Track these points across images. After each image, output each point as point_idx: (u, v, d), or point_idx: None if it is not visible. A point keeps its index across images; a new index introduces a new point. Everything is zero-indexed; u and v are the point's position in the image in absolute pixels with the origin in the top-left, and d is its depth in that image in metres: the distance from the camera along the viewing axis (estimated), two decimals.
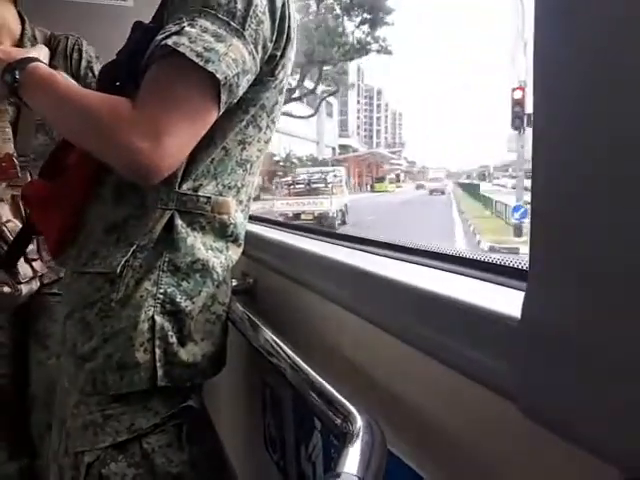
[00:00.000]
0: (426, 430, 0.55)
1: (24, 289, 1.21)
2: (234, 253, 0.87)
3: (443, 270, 0.60)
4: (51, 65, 1.27)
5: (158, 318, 0.77)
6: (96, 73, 1.31)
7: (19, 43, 1.25)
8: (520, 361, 0.39)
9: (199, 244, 0.80)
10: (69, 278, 0.85)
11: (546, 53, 0.37)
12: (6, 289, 1.17)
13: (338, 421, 0.55)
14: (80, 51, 1.31)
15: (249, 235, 0.90)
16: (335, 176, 16.56)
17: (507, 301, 0.43)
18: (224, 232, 0.84)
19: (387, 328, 0.59)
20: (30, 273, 1.21)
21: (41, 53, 0.84)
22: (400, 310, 0.58)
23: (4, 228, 1.15)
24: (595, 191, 0.33)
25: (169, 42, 0.66)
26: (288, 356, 0.72)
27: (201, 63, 0.66)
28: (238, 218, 0.86)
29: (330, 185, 15.37)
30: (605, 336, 0.33)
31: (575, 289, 0.36)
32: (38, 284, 1.26)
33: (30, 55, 0.80)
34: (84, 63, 1.31)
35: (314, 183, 15.95)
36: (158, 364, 0.77)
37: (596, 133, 0.34)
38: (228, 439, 1.33)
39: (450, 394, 0.51)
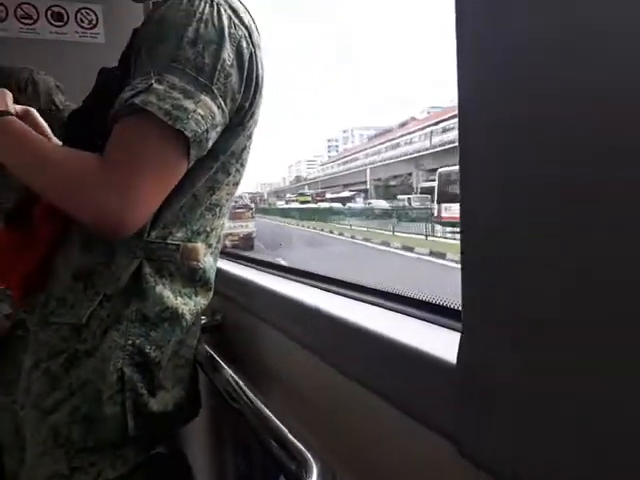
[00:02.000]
0: (375, 469, 0.55)
1: None
2: (203, 298, 0.87)
3: (388, 309, 0.61)
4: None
5: (127, 370, 0.76)
6: (58, 104, 1.29)
7: None
8: (457, 406, 0.40)
9: (168, 292, 0.80)
10: (36, 327, 0.83)
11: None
12: None
13: (293, 468, 0.55)
14: (35, 83, 1.27)
15: (218, 271, 0.91)
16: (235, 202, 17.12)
17: (446, 344, 0.44)
18: (193, 277, 0.83)
19: (336, 366, 0.60)
20: (7, 310, 1.18)
21: (7, 98, 0.83)
22: (350, 349, 0.58)
23: None
24: (525, 223, 0.34)
25: (136, 101, 0.66)
26: (250, 400, 0.72)
27: (170, 122, 0.66)
28: (207, 262, 0.86)
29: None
30: (537, 383, 0.34)
31: (507, 333, 0.36)
32: (9, 324, 1.23)
33: (1, 108, 0.79)
34: (43, 96, 1.28)
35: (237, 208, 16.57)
36: (129, 416, 0.76)
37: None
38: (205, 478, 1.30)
39: (397, 434, 0.51)
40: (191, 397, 0.87)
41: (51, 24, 1.80)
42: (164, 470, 0.89)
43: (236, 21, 0.75)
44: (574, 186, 0.31)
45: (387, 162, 40.95)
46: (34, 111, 0.89)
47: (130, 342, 0.76)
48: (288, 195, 52.85)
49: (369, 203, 27.43)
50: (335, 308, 0.63)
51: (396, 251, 11.45)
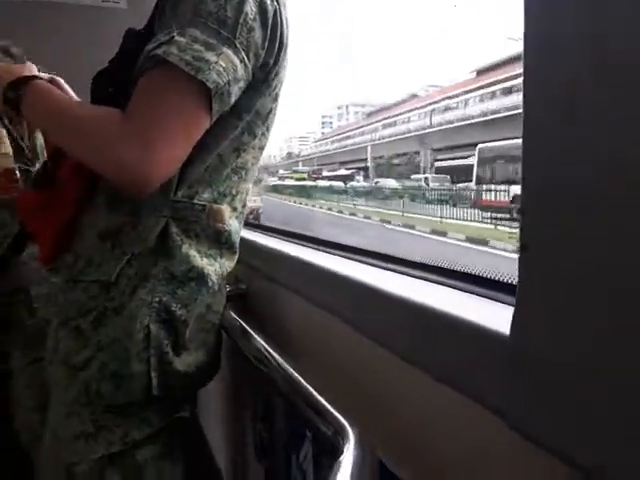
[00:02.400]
0: (417, 443, 0.55)
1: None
2: (229, 260, 0.87)
3: (430, 281, 0.61)
4: None
5: (153, 327, 0.77)
6: None
7: None
8: (508, 379, 0.40)
9: (194, 252, 0.80)
10: (64, 286, 0.83)
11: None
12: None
13: (329, 433, 0.56)
14: (12, 56, 1.27)
15: (242, 241, 0.90)
16: None
17: (497, 317, 0.43)
18: (219, 239, 0.83)
19: (375, 338, 0.60)
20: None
21: (33, 69, 0.87)
22: (386, 320, 0.58)
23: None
24: (590, 207, 0.33)
25: (159, 52, 0.66)
26: (280, 365, 0.72)
27: (192, 72, 0.66)
28: (233, 225, 0.85)
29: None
30: (589, 358, 0.34)
31: (563, 308, 0.36)
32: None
33: (29, 73, 0.82)
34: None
35: None
36: (153, 374, 0.77)
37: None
38: (219, 446, 1.33)
39: (441, 408, 0.51)
40: (213, 361, 0.88)
41: None
42: (187, 433, 0.91)
43: None
44: None
45: (389, 139, 39.68)
46: (60, 80, 0.93)
47: (157, 299, 0.77)
48: (281, 171, 51.34)
49: (377, 182, 26.07)
50: (369, 278, 0.62)
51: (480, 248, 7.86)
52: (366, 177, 36.11)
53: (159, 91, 0.69)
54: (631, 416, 0.31)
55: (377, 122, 46.36)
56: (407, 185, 21.43)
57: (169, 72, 0.66)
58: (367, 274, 0.67)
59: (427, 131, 32.02)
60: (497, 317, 0.43)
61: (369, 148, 41.29)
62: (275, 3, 0.76)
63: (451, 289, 0.57)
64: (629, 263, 0.31)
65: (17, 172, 1.02)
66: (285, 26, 0.79)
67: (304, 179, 36.59)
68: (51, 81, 0.90)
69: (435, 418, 0.52)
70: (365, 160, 42.62)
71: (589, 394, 0.33)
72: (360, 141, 47.58)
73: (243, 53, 0.71)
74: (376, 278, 0.64)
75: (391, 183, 23.80)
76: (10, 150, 0.98)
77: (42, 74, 0.89)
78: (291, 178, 38.18)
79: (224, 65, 0.68)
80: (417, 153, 33.87)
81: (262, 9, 0.74)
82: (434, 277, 0.61)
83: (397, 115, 42.01)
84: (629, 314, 0.31)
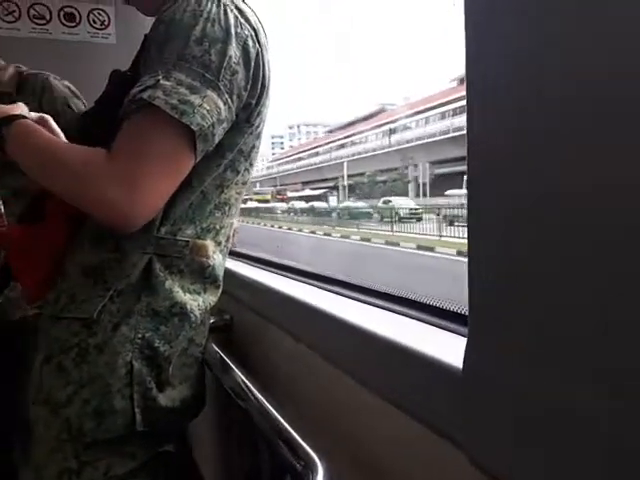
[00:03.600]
0: (383, 473, 0.55)
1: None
2: (212, 295, 0.88)
3: (392, 312, 0.62)
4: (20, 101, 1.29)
5: (136, 363, 0.77)
6: (74, 108, 1.33)
7: None
8: (465, 412, 0.40)
9: (177, 287, 0.81)
10: (47, 323, 0.84)
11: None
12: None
13: (300, 467, 0.56)
14: (51, 89, 1.31)
15: (227, 271, 0.91)
16: None
17: (452, 348, 0.44)
18: (202, 274, 0.84)
19: (349, 372, 0.60)
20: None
21: (23, 109, 0.87)
22: (357, 353, 0.59)
23: None
24: (536, 228, 0.34)
25: (144, 96, 0.68)
26: (256, 399, 0.72)
27: (176, 116, 0.67)
28: (216, 259, 0.87)
29: None
30: (541, 393, 0.34)
31: (515, 338, 0.36)
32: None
33: (16, 112, 0.82)
34: (60, 100, 1.31)
35: None
36: (137, 410, 0.77)
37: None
38: (212, 477, 1.31)
39: (408, 442, 0.51)
40: (197, 395, 0.88)
41: (63, 24, 1.82)
42: (172, 468, 0.90)
43: (242, 21, 0.76)
44: (584, 195, 0.31)
45: (371, 154, 36.47)
46: (49, 118, 0.92)
47: (140, 336, 0.78)
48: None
49: (388, 201, 21.41)
50: (341, 311, 0.63)
51: None
52: (342, 196, 33.16)
53: (145, 133, 0.70)
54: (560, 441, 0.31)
55: (345, 138, 43.26)
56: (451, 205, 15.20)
57: (154, 115, 0.68)
58: (339, 306, 0.68)
59: (428, 140, 30.25)
60: (452, 348, 0.44)
61: (345, 164, 38.12)
62: (257, 46, 0.78)
63: (411, 319, 0.58)
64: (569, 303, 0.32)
65: (2, 207, 1.04)
66: (267, 68, 0.82)
67: (267, 200, 34.20)
68: (39, 120, 0.91)
69: (400, 449, 0.52)
70: (334, 179, 39.21)
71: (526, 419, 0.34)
72: (329, 158, 44.27)
73: (227, 95, 0.73)
74: (347, 311, 0.64)
75: (406, 202, 20.18)
76: None
77: (31, 114, 0.89)
78: (251, 200, 34.13)
79: (208, 108, 0.70)
80: (407, 167, 31.76)
81: (245, 52, 0.76)
82: (391, 306, 0.62)
83: (374, 128, 39.27)
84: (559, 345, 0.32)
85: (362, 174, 36.01)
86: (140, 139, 0.70)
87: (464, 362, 0.40)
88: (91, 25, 1.86)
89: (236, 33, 0.74)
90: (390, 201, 21.45)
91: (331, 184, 40.11)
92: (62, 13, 1.82)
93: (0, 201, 0.97)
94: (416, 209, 17.44)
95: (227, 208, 0.87)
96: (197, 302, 0.83)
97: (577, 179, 0.31)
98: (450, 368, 0.42)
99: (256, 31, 0.78)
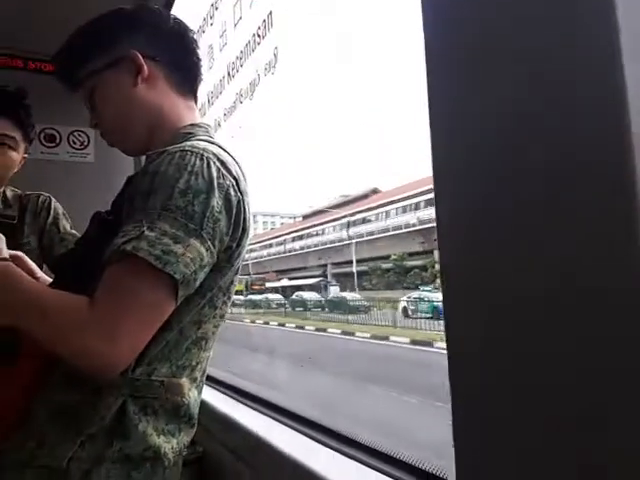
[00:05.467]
0: None
1: None
2: (186, 435, 0.86)
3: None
4: (20, 222, 1.33)
5: None
6: (60, 228, 1.39)
7: None
8: None
9: (151, 430, 0.79)
10: (12, 472, 0.79)
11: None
12: None
13: None
14: (49, 209, 1.40)
15: (201, 403, 0.89)
16: None
17: None
18: (177, 413, 0.83)
19: None
20: None
21: (1, 244, 0.88)
22: None
23: None
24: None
25: (128, 247, 0.70)
26: None
27: (159, 266, 0.70)
28: (192, 397, 0.86)
29: None
30: None
31: None
32: None
33: None
34: (50, 220, 1.39)
35: None
36: None
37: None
38: None
39: None
40: None
41: (43, 145, 1.90)
42: None
43: (224, 172, 0.81)
44: None
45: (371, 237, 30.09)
46: (23, 255, 0.94)
47: None
48: None
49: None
50: (320, 464, 0.63)
51: None
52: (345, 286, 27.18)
53: (127, 282, 0.71)
54: None
55: (332, 221, 36.48)
56: None
57: (138, 265, 0.70)
58: (316, 457, 0.67)
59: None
60: None
61: (353, 247, 31.23)
62: (238, 194, 0.83)
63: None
64: None
65: None
66: (247, 212, 0.86)
67: (241, 292, 29.32)
68: (15, 257, 0.92)
69: None
70: (323, 267, 33.28)
71: None
72: (318, 242, 37.09)
73: (209, 242, 0.76)
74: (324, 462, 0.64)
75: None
76: None
77: (5, 251, 0.90)
78: None
79: (191, 256, 0.73)
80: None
81: (227, 201, 0.80)
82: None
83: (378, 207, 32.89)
84: None
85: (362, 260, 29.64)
86: (122, 289, 0.71)
87: None
88: (71, 146, 1.94)
89: (218, 184, 0.78)
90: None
91: (316, 272, 33.73)
92: (43, 135, 1.90)
93: None
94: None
95: (204, 343, 0.87)
96: (171, 444, 0.81)
97: None
98: None
99: (237, 180, 0.84)
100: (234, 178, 0.83)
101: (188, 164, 0.77)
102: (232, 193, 0.81)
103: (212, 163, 0.80)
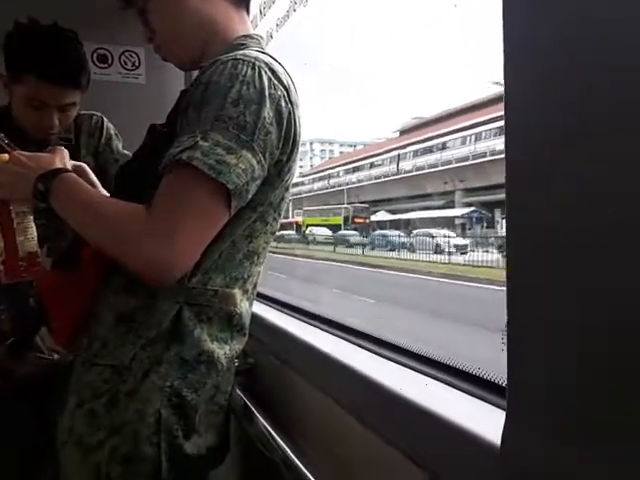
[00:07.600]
0: None
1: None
2: (239, 343, 0.89)
3: (424, 374, 0.62)
4: (77, 143, 1.35)
5: (164, 412, 0.79)
6: (114, 149, 1.41)
7: None
8: None
9: (205, 336, 0.82)
10: (80, 367, 0.86)
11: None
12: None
13: None
14: (102, 129, 1.41)
15: (252, 316, 0.93)
16: None
17: (489, 422, 0.44)
18: (230, 322, 0.86)
19: (376, 431, 0.60)
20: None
21: (64, 156, 0.90)
22: (384, 412, 0.59)
23: None
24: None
25: (183, 156, 0.71)
26: (281, 450, 0.72)
27: (213, 175, 0.70)
28: (243, 308, 0.88)
29: None
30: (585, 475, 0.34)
31: (558, 416, 0.36)
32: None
33: (59, 166, 0.86)
34: (103, 140, 1.40)
35: None
36: (163, 457, 0.78)
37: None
38: None
39: None
40: (221, 442, 0.89)
41: (96, 65, 1.90)
42: None
43: (275, 82, 0.79)
44: None
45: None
46: (86, 167, 0.96)
47: (168, 384, 0.79)
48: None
49: None
50: (368, 369, 0.63)
51: None
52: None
53: (183, 191, 0.73)
54: None
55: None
56: None
57: (193, 174, 0.71)
58: (365, 363, 0.68)
59: None
60: (489, 423, 0.44)
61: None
62: (289, 105, 0.81)
63: (439, 383, 0.58)
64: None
65: (39, 255, 1.06)
66: (298, 125, 0.85)
67: (339, 226, 21.23)
68: (77, 169, 0.95)
69: None
70: (447, 194, 21.82)
71: None
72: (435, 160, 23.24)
73: (260, 155, 0.76)
74: (373, 367, 0.65)
75: None
76: (35, 234, 1.02)
77: (69, 163, 0.92)
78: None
79: (243, 167, 0.73)
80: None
81: (278, 112, 0.79)
82: (423, 368, 0.62)
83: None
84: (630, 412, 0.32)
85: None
86: (178, 197, 0.73)
87: (502, 439, 0.40)
88: (122, 66, 1.93)
89: (270, 94, 0.77)
90: None
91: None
92: (95, 55, 1.90)
93: (37, 245, 0.99)
94: None
95: (255, 257, 0.89)
96: (224, 350, 0.85)
97: None
98: (487, 444, 0.42)
99: (288, 90, 0.82)
100: (285, 88, 0.81)
101: (240, 73, 0.76)
102: (283, 104, 0.80)
103: (264, 72, 0.78)
